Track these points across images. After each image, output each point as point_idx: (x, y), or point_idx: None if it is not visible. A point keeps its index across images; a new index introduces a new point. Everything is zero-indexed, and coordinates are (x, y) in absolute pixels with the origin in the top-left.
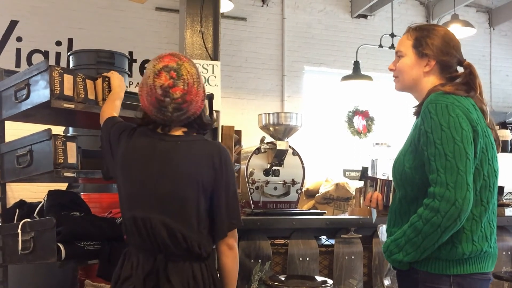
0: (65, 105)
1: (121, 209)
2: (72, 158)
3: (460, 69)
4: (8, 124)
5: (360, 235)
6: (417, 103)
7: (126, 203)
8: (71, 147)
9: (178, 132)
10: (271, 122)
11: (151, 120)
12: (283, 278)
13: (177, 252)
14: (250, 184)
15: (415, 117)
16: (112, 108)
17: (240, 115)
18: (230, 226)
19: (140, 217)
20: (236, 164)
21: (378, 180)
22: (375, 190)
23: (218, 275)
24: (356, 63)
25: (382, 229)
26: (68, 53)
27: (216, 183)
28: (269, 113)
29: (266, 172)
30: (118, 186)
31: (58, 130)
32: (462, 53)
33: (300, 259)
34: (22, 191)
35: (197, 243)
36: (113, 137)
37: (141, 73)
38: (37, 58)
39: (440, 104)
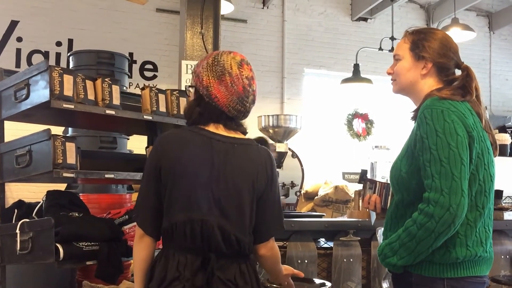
0: (64, 105)
1: (167, 211)
2: (71, 158)
3: (459, 72)
4: (7, 124)
5: (359, 238)
6: (415, 106)
7: (179, 205)
8: (70, 147)
9: (233, 134)
10: (271, 124)
11: (215, 115)
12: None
13: (228, 252)
14: None
15: (413, 121)
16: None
17: None
18: (276, 231)
19: (197, 220)
20: None
21: (377, 182)
22: (374, 192)
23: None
24: (356, 66)
25: (381, 232)
26: (68, 54)
27: (266, 189)
28: (268, 115)
29: None
30: (165, 190)
31: (57, 130)
32: (460, 56)
33: (299, 261)
34: (21, 191)
35: (248, 246)
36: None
37: (141, 74)
38: (37, 59)
39: (436, 109)
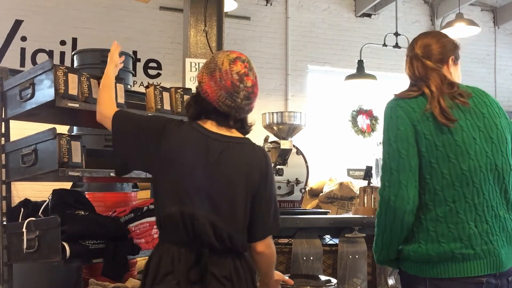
0: (69, 104)
1: (159, 203)
2: (77, 157)
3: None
4: (13, 124)
5: (364, 234)
6: None
7: (170, 197)
8: (76, 146)
9: (229, 132)
10: (275, 121)
11: (208, 111)
12: (287, 277)
13: (221, 248)
14: None
15: None
16: (113, 100)
17: None
18: (272, 230)
19: (188, 213)
20: None
21: None
22: None
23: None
24: (360, 62)
25: None
26: (73, 53)
27: (261, 188)
28: (272, 112)
29: None
30: (157, 180)
31: (62, 129)
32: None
33: (304, 258)
34: (26, 190)
35: (241, 244)
36: (155, 127)
37: (145, 72)
38: (42, 58)
39: (387, 107)
